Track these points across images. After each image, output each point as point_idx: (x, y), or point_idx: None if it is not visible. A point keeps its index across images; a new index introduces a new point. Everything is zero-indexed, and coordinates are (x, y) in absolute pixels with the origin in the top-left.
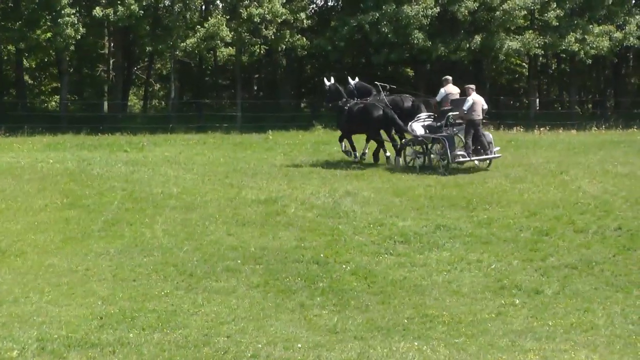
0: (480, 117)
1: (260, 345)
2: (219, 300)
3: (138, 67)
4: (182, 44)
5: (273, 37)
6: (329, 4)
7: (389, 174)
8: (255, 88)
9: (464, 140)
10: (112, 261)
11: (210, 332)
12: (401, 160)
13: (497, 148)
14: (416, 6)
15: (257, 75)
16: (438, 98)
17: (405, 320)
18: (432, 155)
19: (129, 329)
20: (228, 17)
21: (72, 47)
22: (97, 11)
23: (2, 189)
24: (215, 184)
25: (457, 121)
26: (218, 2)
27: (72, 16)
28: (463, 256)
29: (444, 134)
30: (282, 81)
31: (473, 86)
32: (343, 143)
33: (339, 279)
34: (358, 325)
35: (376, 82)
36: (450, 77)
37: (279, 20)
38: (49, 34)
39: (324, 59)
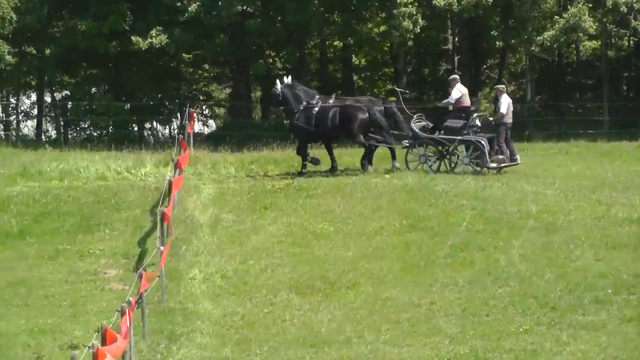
0: (512, 119)
1: None
2: (586, 336)
3: (487, 64)
4: (538, 37)
5: None
6: None
7: None
8: (625, 88)
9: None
10: (461, 293)
11: None
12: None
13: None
14: None
15: (626, 74)
16: (452, 99)
17: None
18: (461, 158)
19: None
20: (590, 5)
21: (409, 42)
22: (439, 0)
23: (331, 209)
24: (581, 201)
25: (476, 123)
26: None
27: (410, 6)
28: None
29: (473, 136)
30: None
31: (504, 87)
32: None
33: None
34: None
35: (396, 88)
36: (458, 76)
37: None
38: (382, 27)
39: None
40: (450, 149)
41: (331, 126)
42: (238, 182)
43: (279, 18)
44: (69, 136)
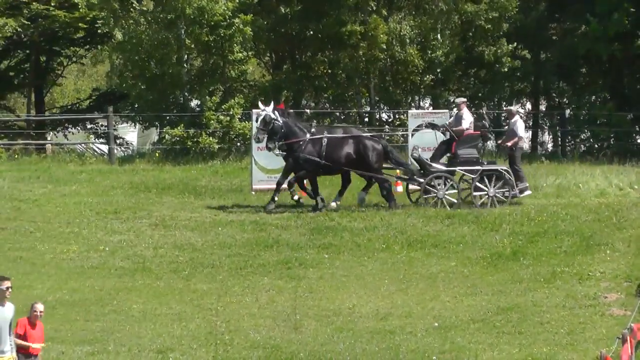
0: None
1: None
2: None
3: None
4: None
5: None
6: None
7: None
8: None
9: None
10: None
11: None
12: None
13: None
14: None
15: None
16: (466, 125)
17: None
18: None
19: None
20: None
21: None
22: None
23: None
24: None
25: None
26: None
27: None
28: None
29: (497, 165)
30: None
31: (517, 108)
32: (293, 189)
33: None
34: None
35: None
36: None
37: None
38: None
39: None
40: (474, 181)
41: (345, 158)
42: None
43: None
44: (567, 148)
